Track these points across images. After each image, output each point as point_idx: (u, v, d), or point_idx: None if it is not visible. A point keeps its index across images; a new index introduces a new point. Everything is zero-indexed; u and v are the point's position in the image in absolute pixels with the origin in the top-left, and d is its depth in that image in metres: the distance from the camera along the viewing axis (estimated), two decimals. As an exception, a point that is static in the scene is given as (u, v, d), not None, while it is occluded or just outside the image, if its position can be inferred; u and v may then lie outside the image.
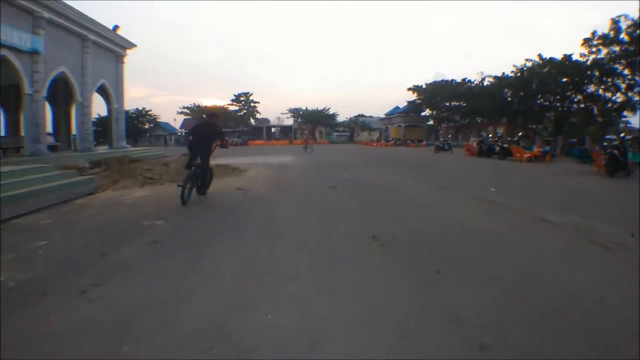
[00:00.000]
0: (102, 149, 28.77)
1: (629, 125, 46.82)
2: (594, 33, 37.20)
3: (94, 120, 37.16)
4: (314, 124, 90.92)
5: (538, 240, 6.58)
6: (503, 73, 51.40)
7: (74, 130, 27.28)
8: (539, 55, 44.11)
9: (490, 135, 51.87)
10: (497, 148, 30.81)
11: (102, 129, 42.44)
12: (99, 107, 33.16)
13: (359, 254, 5.67)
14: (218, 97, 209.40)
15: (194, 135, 11.38)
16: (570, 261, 5.46)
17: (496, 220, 8.10)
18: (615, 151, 17.34)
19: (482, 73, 62.91)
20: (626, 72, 36.48)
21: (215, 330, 3.47)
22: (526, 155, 27.26)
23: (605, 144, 19.67)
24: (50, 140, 25.23)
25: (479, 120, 64.69)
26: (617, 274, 4.97)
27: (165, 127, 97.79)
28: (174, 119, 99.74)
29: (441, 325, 3.55)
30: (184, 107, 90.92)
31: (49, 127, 25.73)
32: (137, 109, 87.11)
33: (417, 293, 4.28)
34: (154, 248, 6.02)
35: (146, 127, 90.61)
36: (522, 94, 46.30)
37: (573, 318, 3.71)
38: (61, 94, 26.03)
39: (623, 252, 5.90)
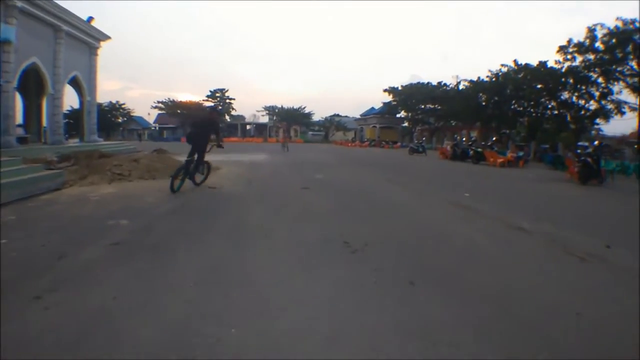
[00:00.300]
0: (73, 142, 28.28)
1: (600, 132, 47.52)
2: (569, 41, 37.72)
3: (66, 112, 36.56)
4: (289, 122, 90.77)
5: (514, 250, 6.50)
6: (478, 77, 52.13)
7: (44, 123, 26.71)
8: (515, 61, 44.73)
9: (464, 139, 52.23)
10: (471, 152, 31.03)
11: (74, 121, 41.75)
12: (71, 99, 32.68)
13: (330, 262, 5.48)
14: (193, 93, 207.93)
15: (193, 129, 12.23)
16: (547, 273, 5.36)
17: (470, 227, 8.02)
18: (589, 159, 17.51)
19: (457, 77, 63.34)
20: (600, 80, 37.07)
21: (176, 344, 3.26)
22: (499, 160, 27.51)
23: (579, 151, 19.88)
24: (20, 132, 24.72)
25: (453, 124, 65.24)
26: (594, 288, 4.90)
27: (139, 121, 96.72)
28: (148, 113, 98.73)
29: (415, 342, 3.41)
30: (158, 102, 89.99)
31: (19, 119, 25.19)
32: (110, 102, 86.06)
33: (390, 306, 4.12)
34: (116, 250, 5.75)
35: (119, 120, 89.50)
36: (496, 98, 46.85)
37: (550, 335, 3.61)
38: (32, 85, 25.42)
39: (599, 264, 5.86)
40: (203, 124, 12.36)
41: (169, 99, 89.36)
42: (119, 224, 7.38)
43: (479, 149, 30.68)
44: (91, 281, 4.56)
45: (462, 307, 4.15)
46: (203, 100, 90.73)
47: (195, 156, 11.69)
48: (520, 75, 43.56)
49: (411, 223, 8.37)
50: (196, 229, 7.21)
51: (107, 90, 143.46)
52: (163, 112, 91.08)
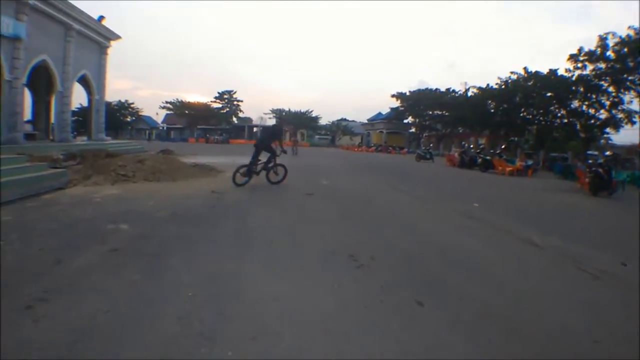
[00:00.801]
0: (81, 140, 28.32)
1: (610, 142, 47.23)
2: (580, 49, 37.45)
3: (75, 110, 36.62)
4: (296, 125, 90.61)
5: (525, 267, 6.28)
6: (487, 84, 51.87)
7: (52, 120, 26.74)
8: (525, 68, 44.49)
9: (472, 146, 52.06)
10: (480, 160, 30.81)
11: (83, 119, 41.86)
12: (80, 97, 32.69)
13: (335, 278, 5.23)
14: (202, 94, 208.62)
15: (261, 135, 15.47)
16: (560, 294, 5.13)
17: (480, 241, 7.80)
18: (600, 169, 17.28)
19: (465, 83, 62.79)
20: (611, 89, 36.74)
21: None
22: (508, 169, 27.28)
23: (590, 161, 19.67)
24: (29, 128, 24.76)
25: (461, 131, 65.08)
26: (610, 310, 4.69)
27: (148, 120, 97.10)
28: (157, 113, 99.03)
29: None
30: (166, 102, 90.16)
31: (27, 115, 25.27)
32: (119, 101, 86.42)
33: (397, 329, 3.90)
34: (113, 257, 5.59)
35: (128, 119, 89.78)
36: (505, 106, 46.55)
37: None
38: (42, 82, 25.47)
39: (614, 282, 5.66)
40: (270, 132, 15.16)
41: (177, 99, 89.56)
42: (118, 228, 7.23)
43: (488, 157, 30.48)
44: (85, 291, 4.40)
45: (472, 330, 3.95)
46: (211, 101, 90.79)
47: (261, 159, 14.01)
48: (530, 83, 43.36)
49: (419, 235, 8.17)
50: (196, 236, 7.02)
51: (117, 89, 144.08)
52: (171, 112, 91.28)
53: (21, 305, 3.94)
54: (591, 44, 36.69)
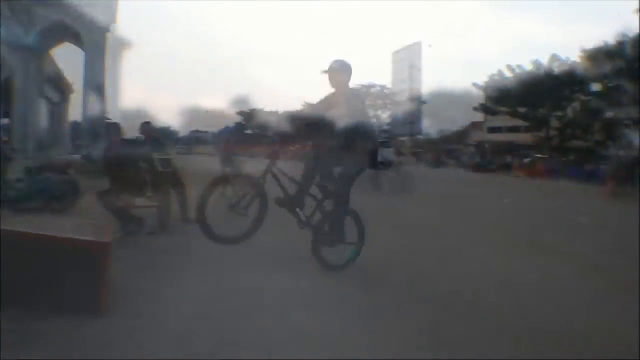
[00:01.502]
0: (94, 150, 28.51)
1: (634, 142, 46.53)
2: (598, 47, 36.90)
3: (90, 119, 36.97)
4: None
5: (562, 286, 5.50)
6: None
7: (67, 129, 26.98)
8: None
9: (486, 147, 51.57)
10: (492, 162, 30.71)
11: (97, 129, 42.29)
12: (95, 106, 33.01)
13: (342, 289, 4.79)
14: (218, 100, 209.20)
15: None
16: (608, 330, 4.01)
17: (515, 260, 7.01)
18: (629, 172, 16.79)
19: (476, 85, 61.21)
20: (630, 88, 36.12)
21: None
22: (527, 171, 26.95)
23: (615, 164, 19.27)
24: (42, 138, 24.97)
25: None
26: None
27: (164, 129, 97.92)
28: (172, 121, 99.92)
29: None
30: (183, 110, 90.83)
31: (41, 125, 25.49)
32: (134, 109, 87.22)
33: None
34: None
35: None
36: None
37: None
38: (55, 92, 25.66)
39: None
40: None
41: (191, 107, 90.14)
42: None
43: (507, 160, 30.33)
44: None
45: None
46: (229, 108, 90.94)
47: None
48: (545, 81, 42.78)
49: (433, 243, 7.77)
50: (206, 248, 6.75)
51: (131, 97, 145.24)
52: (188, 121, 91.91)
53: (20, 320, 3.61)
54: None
